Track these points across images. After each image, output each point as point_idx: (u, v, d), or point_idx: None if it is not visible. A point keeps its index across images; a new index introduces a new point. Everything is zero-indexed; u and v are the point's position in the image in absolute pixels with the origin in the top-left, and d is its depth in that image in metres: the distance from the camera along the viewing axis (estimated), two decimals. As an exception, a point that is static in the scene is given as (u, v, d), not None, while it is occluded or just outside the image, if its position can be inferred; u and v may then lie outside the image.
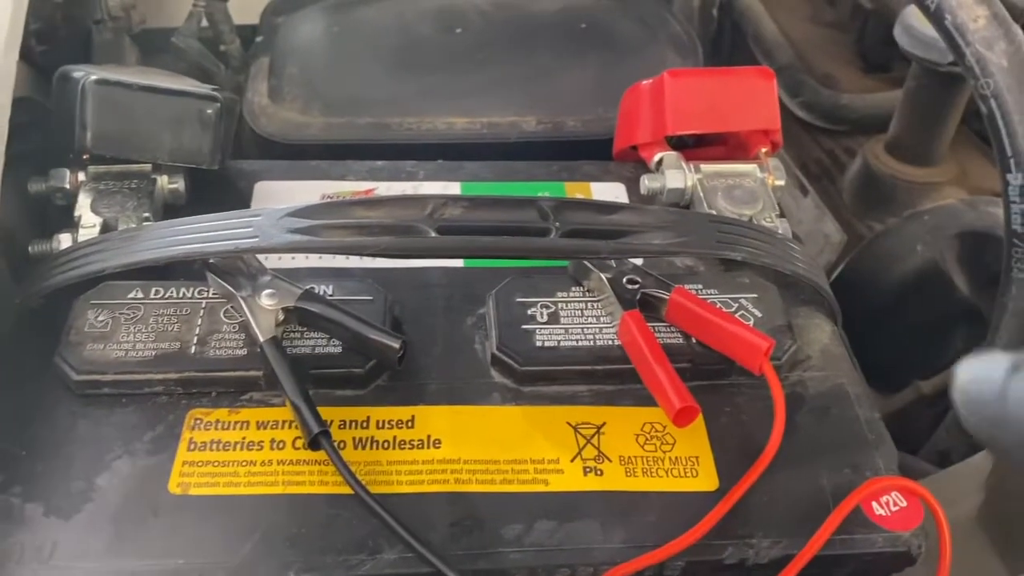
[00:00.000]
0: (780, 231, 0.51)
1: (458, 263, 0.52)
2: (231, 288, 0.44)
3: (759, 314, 0.48)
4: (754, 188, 0.54)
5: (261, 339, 0.43)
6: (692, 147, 0.60)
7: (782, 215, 0.53)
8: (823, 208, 0.84)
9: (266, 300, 0.44)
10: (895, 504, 0.42)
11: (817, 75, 0.89)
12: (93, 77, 0.49)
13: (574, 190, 0.57)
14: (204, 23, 0.72)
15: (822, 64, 0.91)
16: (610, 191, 0.58)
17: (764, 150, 0.57)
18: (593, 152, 0.62)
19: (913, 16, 0.69)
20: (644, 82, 0.58)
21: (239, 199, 0.55)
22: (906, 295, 0.74)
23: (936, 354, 0.75)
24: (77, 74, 0.50)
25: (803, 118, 0.88)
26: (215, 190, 0.54)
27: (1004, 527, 0.49)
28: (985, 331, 0.51)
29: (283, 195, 0.55)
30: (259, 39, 0.73)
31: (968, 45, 0.52)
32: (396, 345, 0.43)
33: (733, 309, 0.48)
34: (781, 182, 0.55)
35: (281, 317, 0.44)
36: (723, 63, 0.90)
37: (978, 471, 0.53)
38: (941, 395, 0.73)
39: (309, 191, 0.56)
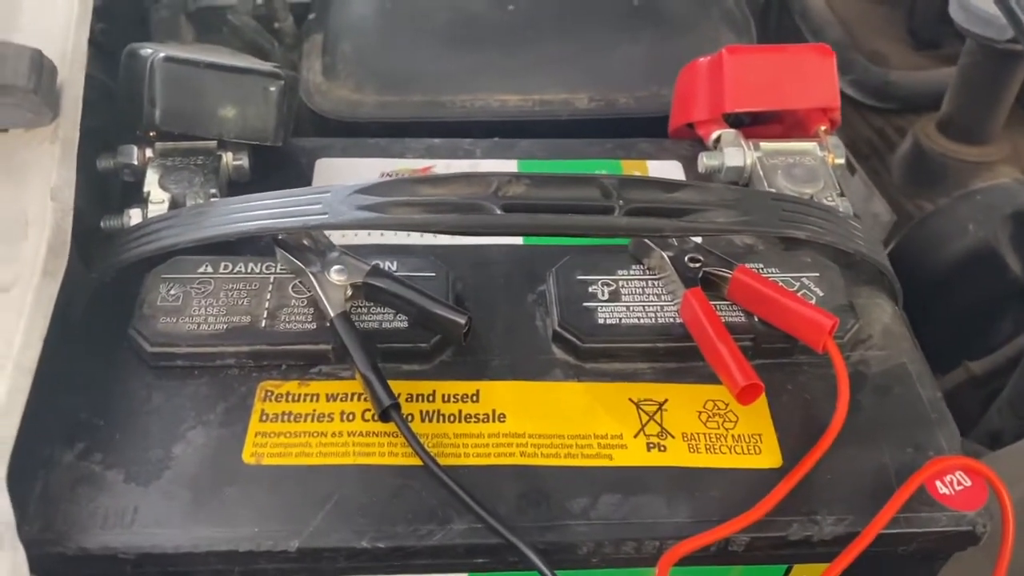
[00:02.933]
0: (841, 210, 0.51)
1: (517, 240, 0.52)
2: (300, 264, 0.45)
3: (821, 293, 0.48)
4: (814, 166, 0.54)
5: (332, 313, 0.43)
6: (748, 125, 0.60)
7: (843, 194, 0.53)
8: (872, 187, 0.83)
9: (335, 276, 0.45)
10: (959, 484, 0.42)
11: (866, 52, 0.88)
12: (162, 55, 0.50)
13: (631, 168, 0.58)
14: (258, 1, 0.73)
15: (871, 41, 0.90)
16: (667, 169, 0.58)
17: (823, 128, 0.56)
18: (645, 129, 0.62)
19: (968, -7, 0.68)
20: (702, 59, 0.58)
21: (300, 176, 0.55)
22: (957, 275, 0.73)
23: (986, 335, 0.74)
24: (145, 52, 0.50)
25: (852, 96, 0.87)
26: (277, 167, 0.55)
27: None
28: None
29: (343, 172, 0.56)
30: (312, 16, 0.73)
31: (1030, 18, 0.51)
32: (462, 321, 0.44)
33: (795, 288, 0.48)
34: (841, 160, 0.55)
35: (349, 292, 0.45)
36: (770, 40, 0.89)
37: (1033, 452, 0.53)
38: (991, 376, 0.72)
39: (369, 168, 0.56)
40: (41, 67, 0.43)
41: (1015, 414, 0.67)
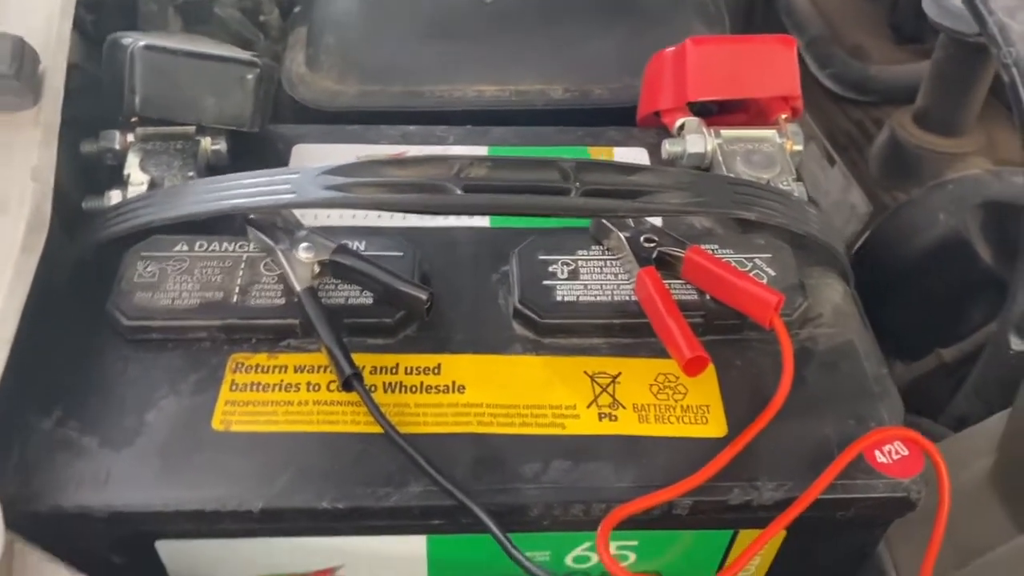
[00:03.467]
0: (796, 194, 0.53)
1: (484, 223, 0.54)
2: (270, 242, 0.47)
3: (772, 273, 0.49)
4: (772, 152, 0.56)
5: (298, 288, 0.45)
6: (715, 115, 0.62)
7: (799, 179, 0.55)
8: (850, 179, 0.84)
9: (303, 253, 0.47)
10: (897, 453, 0.44)
11: (847, 47, 0.89)
12: (142, 43, 0.52)
13: (598, 154, 0.59)
14: (245, -6, 0.75)
15: (853, 36, 0.92)
16: (633, 155, 0.59)
17: (784, 116, 0.58)
18: (619, 120, 0.64)
19: (942, -14, 0.70)
20: (667, 49, 0.59)
21: (278, 161, 0.57)
22: (929, 264, 0.75)
23: (958, 323, 0.76)
24: (126, 40, 0.53)
25: (832, 89, 0.89)
26: (255, 152, 0.57)
27: (1014, 486, 0.50)
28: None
29: (319, 158, 0.58)
30: (297, 10, 0.76)
31: (991, 14, 0.53)
32: (424, 296, 0.46)
33: (748, 268, 0.49)
34: (799, 147, 0.57)
35: (317, 270, 0.47)
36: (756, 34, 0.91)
37: (991, 433, 0.54)
38: (962, 363, 0.73)
39: (344, 154, 0.58)
40: (23, 54, 0.46)
41: (980, 399, 0.68)
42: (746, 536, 0.45)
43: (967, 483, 0.53)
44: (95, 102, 0.56)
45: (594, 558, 0.46)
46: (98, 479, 0.41)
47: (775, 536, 0.43)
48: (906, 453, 0.44)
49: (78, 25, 0.59)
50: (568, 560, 0.46)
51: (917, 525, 0.46)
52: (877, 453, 0.44)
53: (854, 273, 0.55)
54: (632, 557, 0.46)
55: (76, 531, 0.41)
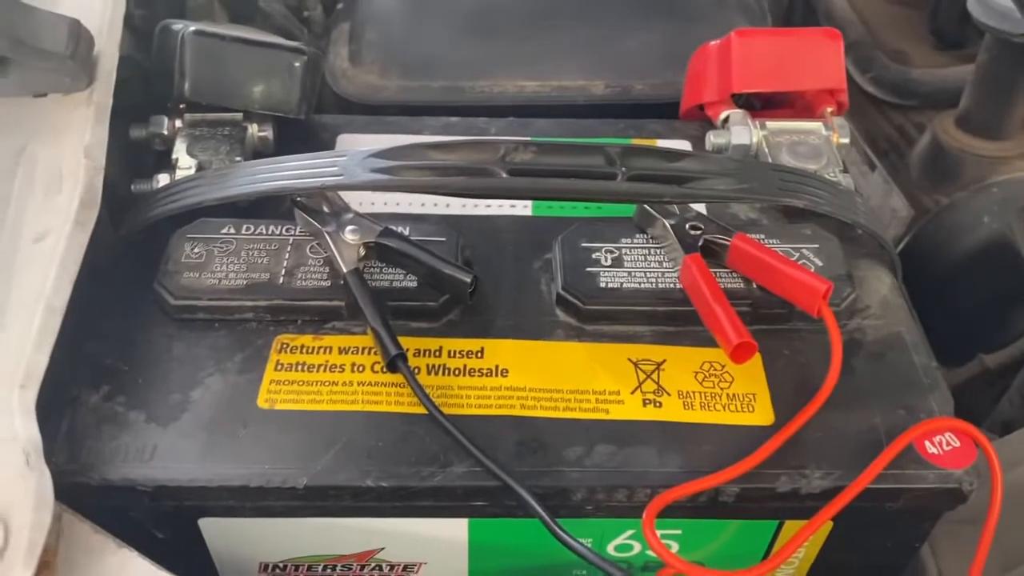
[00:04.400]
0: (843, 184, 0.52)
1: (527, 211, 0.54)
2: (317, 224, 0.48)
3: (819, 263, 0.49)
4: (818, 144, 0.55)
5: (344, 270, 0.46)
6: (759, 110, 0.61)
7: (846, 171, 0.54)
8: (891, 183, 0.84)
9: (349, 235, 0.47)
10: (948, 444, 0.43)
11: (888, 52, 0.89)
12: (192, 28, 0.52)
13: (641, 146, 0.59)
14: (289, -11, 0.76)
15: (894, 40, 0.91)
16: (676, 147, 0.59)
17: (829, 109, 0.58)
18: (659, 115, 0.64)
19: (987, -13, 0.69)
20: (712, 42, 0.59)
21: (323, 149, 0.57)
22: (972, 268, 0.74)
23: (1001, 328, 0.74)
24: (177, 26, 0.53)
25: (873, 93, 0.88)
26: (300, 140, 0.57)
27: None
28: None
29: (363, 146, 0.58)
30: (340, 6, 0.76)
31: (1040, 8, 0.52)
32: (467, 279, 0.46)
33: (795, 258, 0.49)
34: (846, 140, 0.56)
35: (362, 252, 0.47)
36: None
37: (1038, 437, 0.53)
38: (1006, 369, 0.72)
39: (387, 143, 0.58)
40: (79, 36, 0.46)
41: (1026, 404, 0.67)
42: (792, 527, 0.44)
43: (1014, 487, 0.52)
44: (144, 93, 0.57)
45: (636, 547, 0.46)
46: (144, 453, 0.42)
47: (822, 527, 0.42)
48: (957, 445, 0.43)
49: (128, 19, 0.60)
50: (610, 549, 0.46)
51: (962, 528, 0.46)
52: (927, 443, 0.43)
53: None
54: (675, 546, 0.46)
55: (122, 504, 0.42)
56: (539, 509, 0.39)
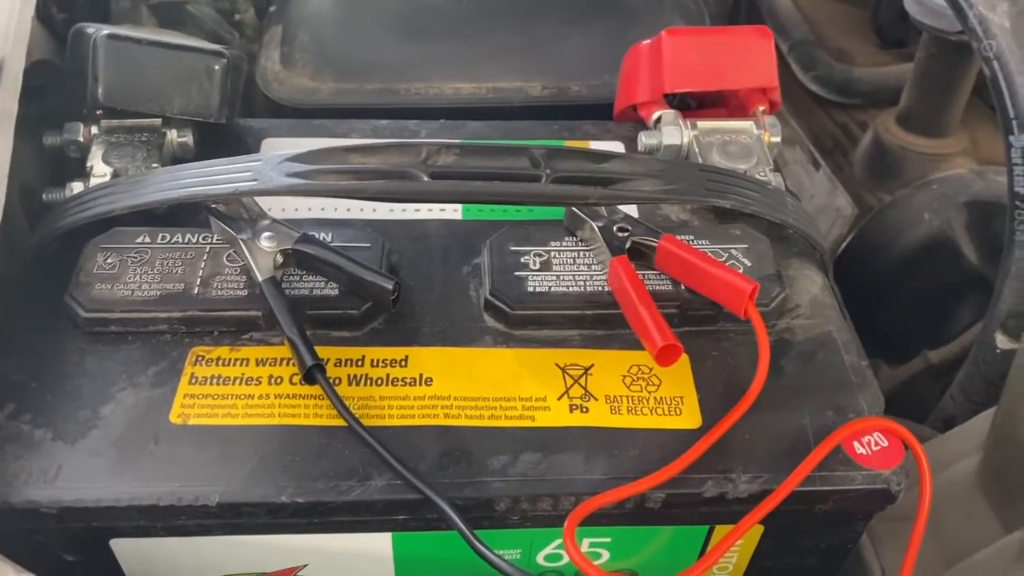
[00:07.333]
0: (773, 184, 0.52)
1: (456, 216, 0.53)
2: (232, 232, 0.46)
3: (748, 263, 0.48)
4: (749, 144, 0.55)
5: (260, 279, 0.44)
6: (694, 109, 0.61)
7: (777, 170, 0.54)
8: (835, 182, 0.84)
9: (265, 242, 0.45)
10: (876, 444, 0.42)
11: (832, 51, 0.89)
12: (105, 32, 0.51)
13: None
14: (220, -7, 0.74)
15: (837, 39, 0.91)
16: (609, 148, 0.58)
17: (762, 108, 0.57)
18: (596, 116, 0.63)
19: (924, -14, 0.69)
20: (644, 42, 0.59)
21: (247, 154, 0.56)
22: (914, 264, 0.74)
23: (944, 324, 0.75)
24: (90, 30, 0.52)
25: (816, 92, 0.88)
26: (223, 145, 0.56)
27: (1000, 485, 0.49)
28: (994, 301, 0.52)
29: (289, 150, 0.57)
30: (272, 8, 0.75)
31: (971, 7, 0.52)
32: (390, 286, 0.45)
33: (723, 258, 0.48)
34: (777, 139, 0.56)
35: (280, 260, 0.46)
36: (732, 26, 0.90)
37: (977, 433, 0.53)
38: (949, 364, 0.73)
39: (314, 147, 0.57)
40: (-22, 42, 0.45)
41: (967, 399, 0.67)
42: (722, 532, 0.44)
43: (954, 483, 0.52)
44: (63, 98, 0.55)
45: (566, 556, 0.45)
46: (48, 473, 0.40)
47: (752, 531, 0.42)
48: (886, 444, 0.42)
49: (48, 22, 0.59)
50: (540, 559, 0.45)
51: (905, 525, 0.45)
52: (856, 444, 0.42)
53: (840, 276, 0.54)
54: (605, 555, 0.45)
55: (26, 528, 0.40)
56: (458, 521, 0.38)
